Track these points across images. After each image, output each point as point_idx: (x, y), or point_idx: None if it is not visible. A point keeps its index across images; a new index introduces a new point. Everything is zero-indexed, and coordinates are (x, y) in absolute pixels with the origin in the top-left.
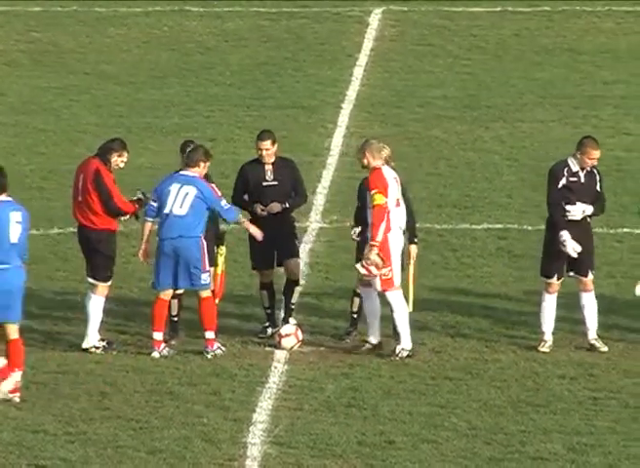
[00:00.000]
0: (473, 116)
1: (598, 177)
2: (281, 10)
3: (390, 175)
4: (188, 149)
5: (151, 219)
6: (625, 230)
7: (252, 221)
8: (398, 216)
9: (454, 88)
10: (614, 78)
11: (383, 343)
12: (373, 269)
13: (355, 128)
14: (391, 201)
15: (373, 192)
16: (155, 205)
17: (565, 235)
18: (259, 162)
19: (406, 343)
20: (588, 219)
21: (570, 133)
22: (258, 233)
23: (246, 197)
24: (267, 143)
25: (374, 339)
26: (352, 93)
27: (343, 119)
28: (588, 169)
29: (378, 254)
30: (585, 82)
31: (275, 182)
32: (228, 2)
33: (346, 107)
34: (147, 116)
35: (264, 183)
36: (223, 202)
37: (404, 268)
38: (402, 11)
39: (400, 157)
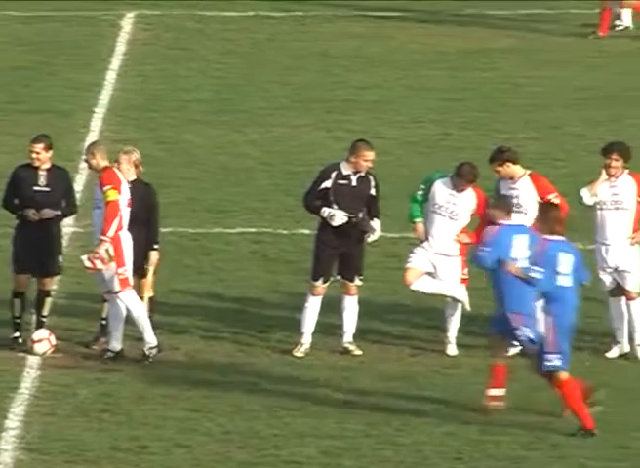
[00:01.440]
0: (227, 120)
1: (373, 183)
2: (35, 13)
3: (122, 177)
4: None
5: None
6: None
7: (21, 226)
8: (127, 217)
9: (207, 92)
10: (366, 83)
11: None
12: (98, 263)
13: (109, 132)
14: (123, 200)
15: (106, 188)
16: None
17: (327, 210)
18: (32, 166)
19: (151, 340)
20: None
21: (323, 137)
22: None
23: (16, 201)
24: (38, 147)
25: (117, 346)
26: (105, 97)
27: (97, 123)
28: (362, 173)
29: (107, 250)
30: (338, 86)
31: (47, 189)
32: None
33: (99, 112)
34: None
35: (36, 188)
36: None
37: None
38: (155, 15)
39: (154, 161)
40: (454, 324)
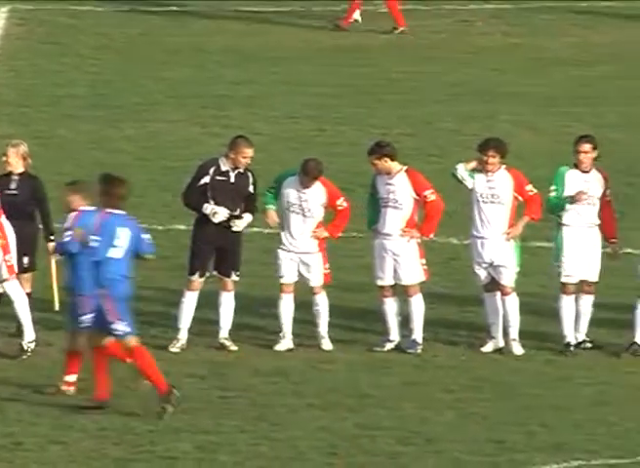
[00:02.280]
0: (102, 115)
1: (252, 180)
2: None
3: None
4: None
5: None
6: (255, 229)
7: None
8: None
9: (82, 87)
10: (241, 78)
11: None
12: None
13: None
14: None
15: None
16: None
17: (209, 207)
18: None
19: (29, 334)
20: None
21: (199, 132)
22: None
23: None
24: None
25: None
26: None
27: None
28: (241, 170)
29: None
30: (214, 82)
31: None
32: None
33: None
34: None
35: None
36: None
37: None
38: (28, 9)
39: None
40: (323, 318)
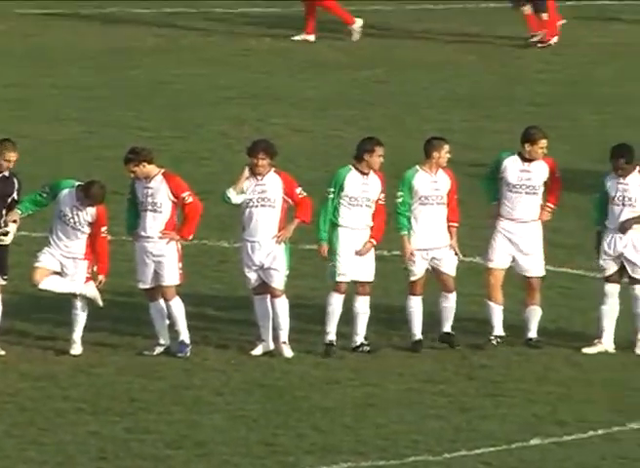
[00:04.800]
0: None
1: (17, 186)
2: None
3: None
4: None
5: None
6: (23, 233)
7: None
8: None
9: None
10: (8, 81)
11: None
12: None
13: None
14: None
15: None
16: None
17: None
18: None
19: None
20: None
21: None
22: None
23: None
24: None
25: None
26: None
27: None
28: (6, 174)
29: None
30: None
31: None
32: None
33: None
34: None
35: None
36: None
37: None
38: None
39: None
40: (80, 322)
